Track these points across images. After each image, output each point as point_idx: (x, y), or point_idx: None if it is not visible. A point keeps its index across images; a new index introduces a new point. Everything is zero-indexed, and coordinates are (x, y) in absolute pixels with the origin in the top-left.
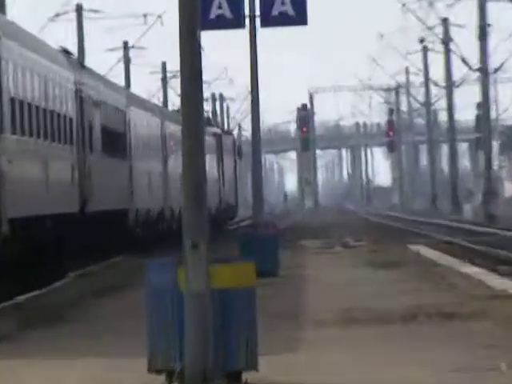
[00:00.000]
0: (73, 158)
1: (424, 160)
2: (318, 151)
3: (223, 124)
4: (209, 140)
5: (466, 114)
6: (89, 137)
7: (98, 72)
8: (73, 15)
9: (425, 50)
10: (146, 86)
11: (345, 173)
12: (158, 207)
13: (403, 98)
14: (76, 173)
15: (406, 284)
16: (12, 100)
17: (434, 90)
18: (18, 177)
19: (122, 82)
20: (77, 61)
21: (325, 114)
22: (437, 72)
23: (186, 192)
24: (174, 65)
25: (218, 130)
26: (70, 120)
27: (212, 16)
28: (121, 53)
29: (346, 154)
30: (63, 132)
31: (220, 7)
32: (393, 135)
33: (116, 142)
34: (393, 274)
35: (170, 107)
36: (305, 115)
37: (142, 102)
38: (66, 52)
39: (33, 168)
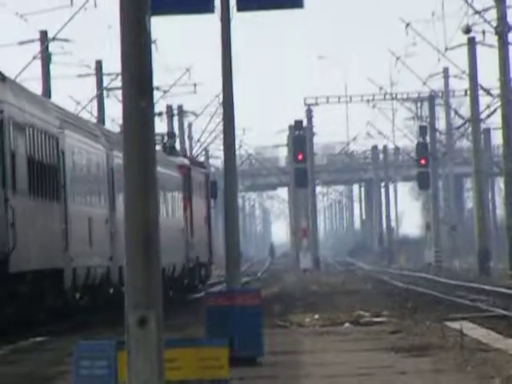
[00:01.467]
0: None
1: (470, 200)
2: (318, 187)
3: (184, 149)
4: (172, 175)
5: None
6: (11, 172)
7: (21, 84)
8: None
9: (471, 43)
10: (72, 93)
11: (357, 218)
12: (103, 265)
13: (440, 112)
14: None
15: (442, 378)
16: None
17: (484, 99)
18: None
19: (38, 88)
20: None
21: (329, 135)
22: (488, 75)
23: (131, 246)
24: (114, 65)
25: (186, 161)
26: None
27: None
28: (37, 47)
29: (358, 191)
30: None
31: None
32: (426, 165)
33: (46, 177)
34: (424, 364)
35: (109, 125)
36: (300, 136)
37: (80, 123)
38: None
39: None
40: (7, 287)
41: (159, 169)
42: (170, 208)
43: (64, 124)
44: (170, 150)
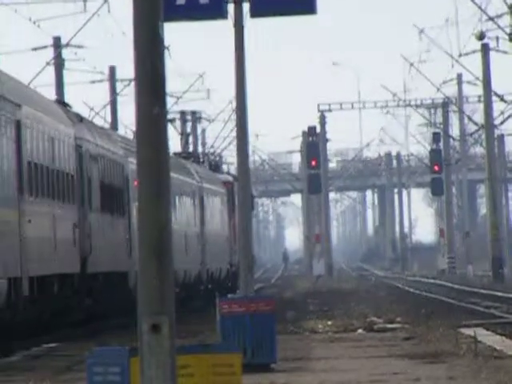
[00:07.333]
0: (74, 217)
1: (484, 206)
2: (332, 194)
3: (198, 155)
4: (218, 190)
5: None
6: (88, 194)
7: (94, 123)
8: None
9: (485, 49)
10: (86, 99)
11: (370, 224)
12: None
13: (454, 118)
14: (77, 233)
15: None
16: (29, 164)
17: (498, 105)
18: (36, 237)
19: (51, 94)
20: (75, 113)
21: (342, 142)
22: (502, 81)
23: (144, 253)
24: (127, 70)
25: (230, 178)
26: (72, 177)
27: (180, 2)
28: (51, 53)
29: (371, 197)
30: (66, 190)
31: None
32: (439, 171)
33: (114, 197)
34: (437, 371)
35: (122, 131)
36: (313, 143)
37: None
38: (62, 103)
39: (45, 228)
40: (85, 284)
41: (210, 186)
42: (219, 219)
43: (127, 152)
44: (214, 166)
